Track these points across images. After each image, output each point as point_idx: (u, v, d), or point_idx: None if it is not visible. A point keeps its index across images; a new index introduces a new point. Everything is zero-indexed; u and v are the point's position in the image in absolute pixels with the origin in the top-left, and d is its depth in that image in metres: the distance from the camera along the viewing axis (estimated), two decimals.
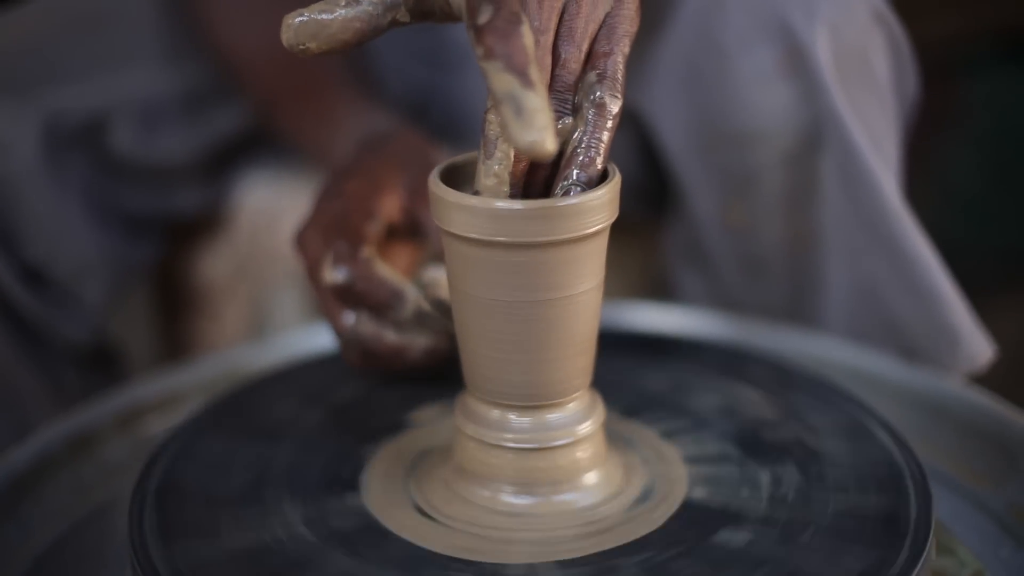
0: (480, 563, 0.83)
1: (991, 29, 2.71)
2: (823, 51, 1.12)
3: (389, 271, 0.99)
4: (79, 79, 1.37)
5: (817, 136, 1.15)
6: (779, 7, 1.14)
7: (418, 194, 1.04)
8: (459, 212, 0.81)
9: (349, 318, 1.00)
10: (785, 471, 0.92)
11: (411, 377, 1.03)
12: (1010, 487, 1.00)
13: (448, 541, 0.85)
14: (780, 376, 1.06)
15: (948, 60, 2.59)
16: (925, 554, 0.83)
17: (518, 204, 0.80)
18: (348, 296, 0.99)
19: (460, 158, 0.87)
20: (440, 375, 1.01)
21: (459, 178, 0.86)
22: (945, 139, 2.63)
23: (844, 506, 0.88)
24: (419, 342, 1.00)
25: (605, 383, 0.92)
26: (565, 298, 0.83)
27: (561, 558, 0.83)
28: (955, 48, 2.62)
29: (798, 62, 1.13)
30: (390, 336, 1.00)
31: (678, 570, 0.82)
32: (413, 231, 1.05)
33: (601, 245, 0.84)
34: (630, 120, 1.26)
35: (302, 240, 1.04)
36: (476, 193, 0.83)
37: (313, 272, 1.02)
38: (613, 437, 0.93)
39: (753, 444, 0.96)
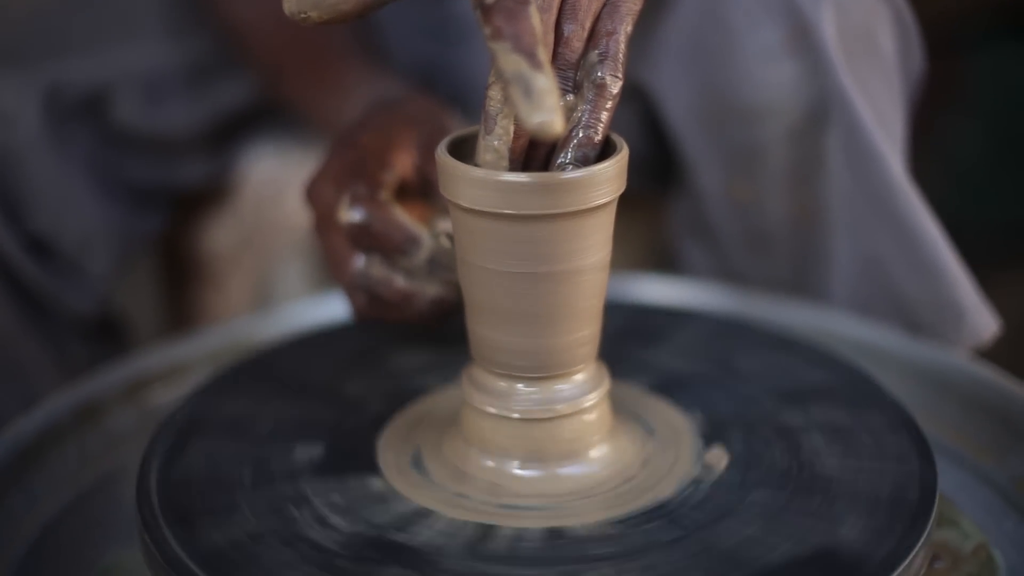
0: (490, 526, 0.84)
1: (995, 4, 2.70)
2: (829, 28, 1.12)
3: (406, 216, 0.99)
4: (83, 51, 1.37)
5: (822, 113, 1.15)
6: None
7: (431, 153, 1.02)
8: (467, 184, 0.82)
9: (359, 262, 0.99)
10: (790, 442, 0.93)
11: (414, 329, 1.03)
12: (1014, 460, 1.00)
13: (457, 511, 0.86)
14: (784, 347, 1.07)
15: (952, 35, 2.58)
16: (929, 526, 0.83)
17: (526, 177, 0.80)
18: (362, 238, 0.98)
19: (467, 131, 0.88)
20: (441, 331, 1.02)
21: (466, 151, 0.86)
22: (949, 115, 2.63)
23: (849, 477, 0.89)
24: (428, 290, 0.99)
25: (610, 355, 0.92)
26: (572, 270, 0.83)
27: (571, 523, 0.84)
28: (959, 23, 2.62)
29: (804, 39, 1.13)
30: (400, 282, 0.99)
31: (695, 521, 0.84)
32: (424, 191, 1.04)
33: (608, 217, 0.84)
34: (636, 95, 1.26)
35: (314, 189, 1.04)
36: (475, 167, 0.84)
37: (325, 219, 1.01)
38: (620, 407, 0.93)
39: (759, 416, 0.96)
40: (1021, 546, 0.93)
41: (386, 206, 0.98)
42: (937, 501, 0.86)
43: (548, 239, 0.82)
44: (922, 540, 0.82)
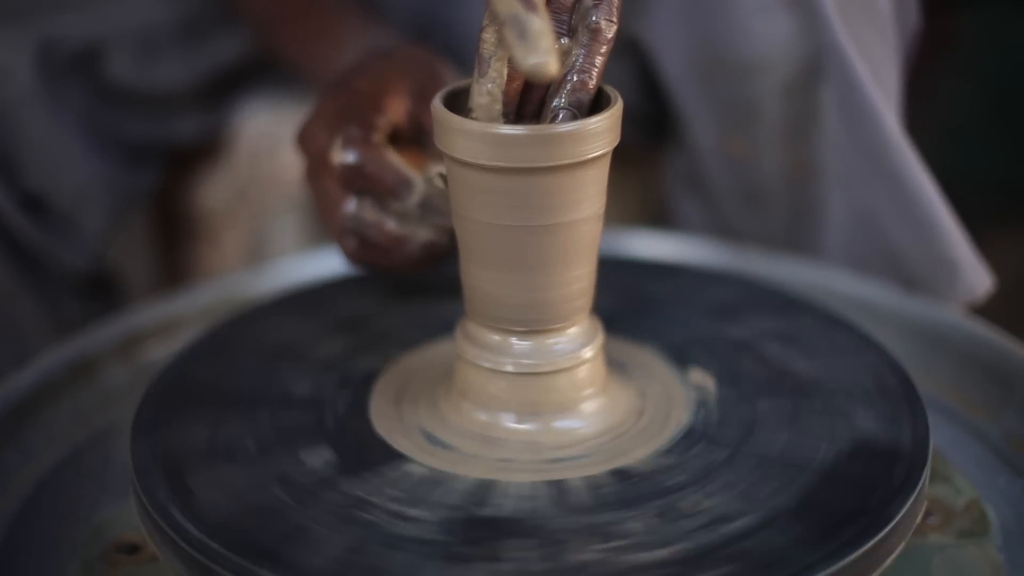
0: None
1: None
2: None
3: (399, 158, 0.98)
4: (76, 6, 1.36)
5: (818, 67, 1.15)
6: None
7: (424, 101, 1.01)
8: (462, 137, 0.82)
9: (351, 205, 0.99)
10: (783, 398, 0.93)
11: (404, 274, 1.03)
12: (1008, 417, 1.00)
13: (452, 464, 0.86)
14: (779, 302, 1.07)
15: None
16: (921, 481, 0.84)
17: (520, 129, 0.80)
18: (355, 179, 0.98)
19: (462, 83, 0.88)
20: (430, 278, 1.03)
21: (461, 104, 0.86)
22: (943, 72, 2.62)
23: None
24: (420, 234, 0.99)
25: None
26: (566, 223, 0.83)
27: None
28: None
29: None
30: (391, 225, 0.99)
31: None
32: (417, 138, 1.03)
33: (602, 171, 0.84)
34: (631, 49, 1.26)
35: (306, 133, 1.03)
36: (470, 110, 0.84)
37: (317, 163, 1.01)
38: (614, 360, 0.94)
39: (752, 369, 0.97)
40: (1013, 502, 0.93)
41: (379, 148, 0.98)
42: (930, 456, 0.86)
43: (542, 192, 0.82)
44: (914, 494, 0.82)
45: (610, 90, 0.85)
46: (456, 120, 0.82)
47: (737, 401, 0.92)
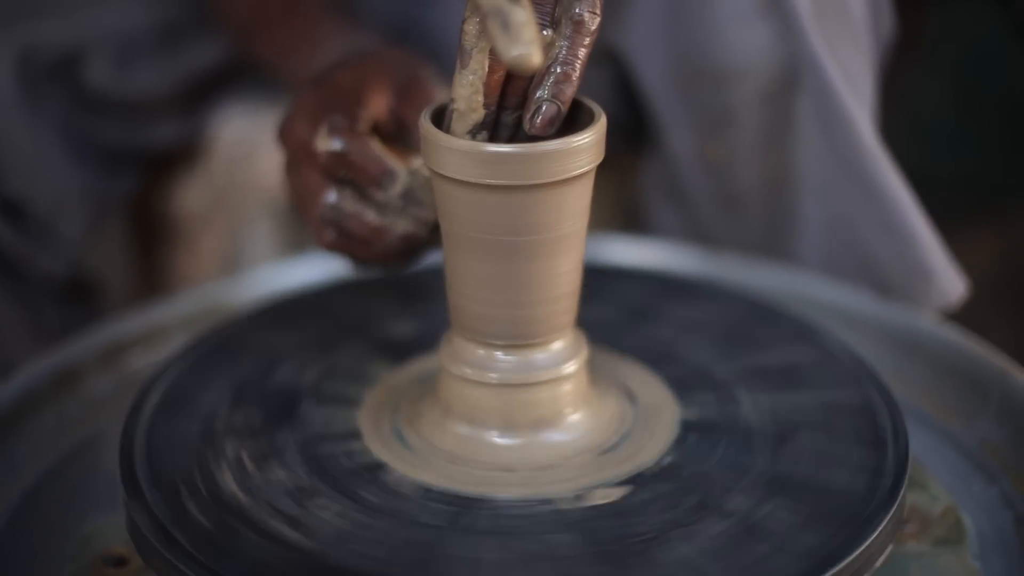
0: (472, 498, 0.85)
1: None
2: None
3: (383, 148, 0.98)
4: (55, 13, 1.36)
5: (794, 75, 1.16)
6: None
7: (405, 97, 1.02)
8: (448, 154, 0.82)
9: (331, 196, 0.99)
10: (760, 404, 0.95)
11: (380, 266, 1.03)
12: (982, 423, 1.02)
13: (436, 478, 0.87)
14: (755, 311, 1.08)
15: None
16: (903, 490, 0.85)
17: (505, 148, 0.81)
18: (339, 167, 0.97)
19: (447, 101, 0.88)
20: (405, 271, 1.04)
21: (448, 122, 0.87)
22: (915, 69, 2.63)
23: (820, 440, 0.91)
24: (398, 226, 0.99)
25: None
26: (550, 239, 0.84)
27: (552, 493, 0.85)
28: None
29: (776, 2, 1.14)
30: (371, 215, 0.99)
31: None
32: (399, 135, 1.03)
33: (586, 187, 0.85)
34: (609, 58, 1.26)
35: (287, 126, 1.03)
36: (452, 101, 0.85)
37: (299, 154, 1.01)
38: (597, 371, 0.94)
39: (731, 377, 0.98)
40: (989, 509, 0.94)
41: (364, 136, 0.98)
42: (910, 465, 0.87)
43: (527, 208, 0.83)
44: (895, 505, 0.84)
45: (593, 106, 0.86)
46: (443, 137, 0.83)
47: (717, 420, 0.93)
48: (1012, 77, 2.62)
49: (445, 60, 1.35)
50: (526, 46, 0.74)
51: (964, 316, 1.20)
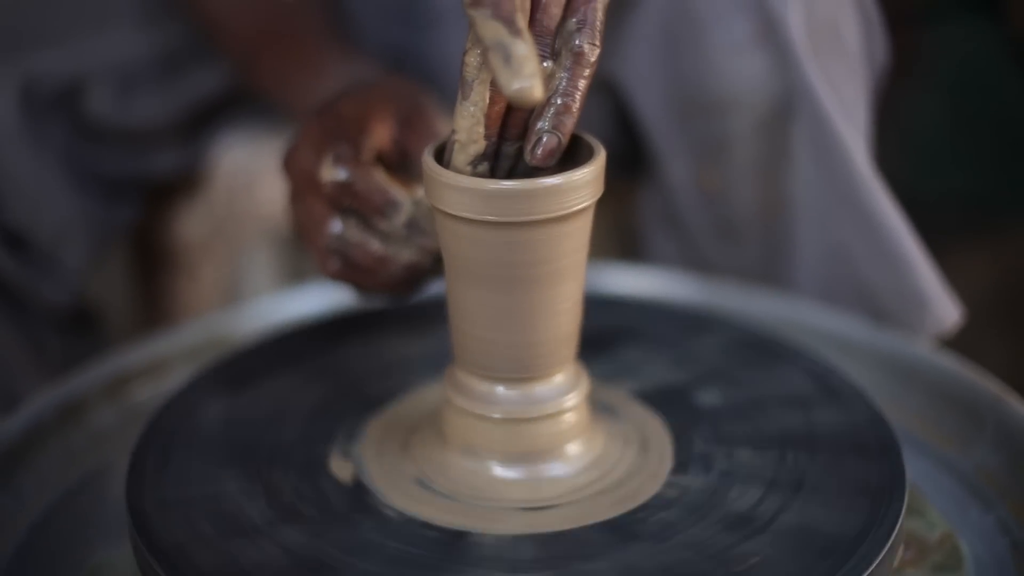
0: (473, 532, 0.85)
1: None
2: (796, 23, 1.14)
3: (387, 178, 0.99)
4: (56, 43, 1.37)
5: (789, 105, 1.18)
6: None
7: (408, 126, 1.03)
8: (449, 191, 0.84)
9: (336, 226, 1.00)
10: (761, 435, 0.95)
11: (384, 294, 1.04)
12: (978, 450, 1.02)
13: (440, 511, 0.88)
14: (752, 340, 1.09)
15: (910, 8, 2.60)
16: (900, 517, 0.86)
17: (506, 184, 0.82)
18: (344, 197, 0.98)
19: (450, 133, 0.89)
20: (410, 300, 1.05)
21: (449, 153, 0.87)
22: (907, 87, 2.64)
23: (818, 467, 0.92)
24: (402, 255, 1.00)
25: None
26: (550, 272, 0.85)
27: (554, 529, 0.86)
28: None
29: (771, 33, 1.15)
30: (375, 245, 1.00)
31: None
32: (402, 165, 1.04)
33: (586, 221, 0.86)
34: (606, 87, 1.28)
35: (292, 156, 1.03)
36: (453, 132, 0.85)
37: (303, 184, 1.01)
38: (596, 404, 0.95)
39: (729, 408, 0.99)
40: (985, 535, 0.95)
41: (368, 166, 0.99)
42: (908, 492, 0.88)
43: (528, 244, 0.84)
44: (895, 531, 0.85)
45: (592, 140, 0.87)
46: (444, 174, 0.84)
47: (714, 452, 0.94)
48: (1004, 95, 2.62)
49: (444, 86, 1.37)
50: (528, 79, 0.75)
51: (958, 334, 1.21)
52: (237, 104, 1.51)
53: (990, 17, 2.64)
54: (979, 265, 2.27)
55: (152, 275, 1.57)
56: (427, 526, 0.86)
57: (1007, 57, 2.60)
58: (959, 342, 1.21)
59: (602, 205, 0.88)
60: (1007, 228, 2.47)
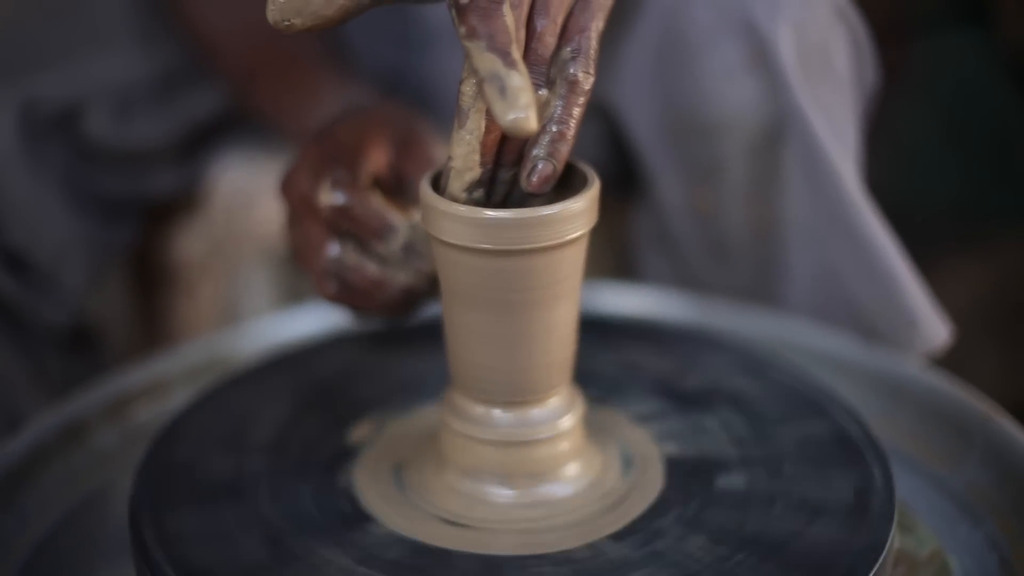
0: (469, 553, 0.87)
1: None
2: (786, 48, 1.15)
3: (384, 202, 1.01)
4: (55, 66, 1.38)
5: (780, 129, 1.19)
6: (743, 4, 1.17)
7: (404, 152, 1.05)
8: (445, 219, 0.85)
9: (334, 249, 1.01)
10: (752, 457, 0.96)
11: (381, 316, 1.06)
12: (967, 467, 1.03)
13: (436, 532, 0.89)
14: (742, 358, 1.10)
15: (901, 19, 2.61)
16: (891, 534, 0.87)
17: (502, 214, 0.84)
18: (342, 221, 1.00)
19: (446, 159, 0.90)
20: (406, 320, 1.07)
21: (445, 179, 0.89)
22: (899, 99, 2.64)
23: (809, 484, 0.93)
24: (399, 278, 1.02)
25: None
26: (546, 300, 0.87)
27: (556, 548, 0.87)
28: (907, 7, 2.64)
29: (762, 58, 1.17)
30: (372, 268, 1.01)
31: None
32: (398, 189, 1.06)
33: (581, 249, 0.87)
34: (599, 110, 1.29)
35: (290, 180, 1.05)
36: (449, 159, 0.87)
37: (301, 207, 1.03)
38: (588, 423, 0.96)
39: (725, 427, 1.00)
40: (975, 552, 0.96)
41: (366, 191, 1.01)
42: (897, 509, 0.90)
43: (523, 272, 0.85)
44: (886, 549, 0.86)
45: (586, 169, 0.88)
46: (441, 202, 0.85)
47: (703, 473, 0.95)
48: (996, 106, 2.63)
49: (438, 107, 1.39)
50: (523, 111, 0.77)
51: (951, 343, 1.23)
52: (235, 125, 1.52)
53: (982, 28, 2.65)
54: (971, 275, 2.27)
55: (151, 294, 1.58)
56: (423, 548, 0.87)
57: (999, 68, 2.60)
58: (951, 352, 1.22)
59: (596, 223, 0.89)
60: (1000, 238, 2.48)
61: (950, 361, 1.24)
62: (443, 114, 1.36)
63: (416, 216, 1.00)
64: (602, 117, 1.30)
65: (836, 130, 1.18)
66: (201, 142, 1.51)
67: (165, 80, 1.45)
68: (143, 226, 1.51)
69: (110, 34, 1.43)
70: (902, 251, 1.20)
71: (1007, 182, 2.59)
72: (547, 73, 0.86)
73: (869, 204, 1.18)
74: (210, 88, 1.48)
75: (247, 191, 1.49)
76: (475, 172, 0.87)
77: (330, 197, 1.00)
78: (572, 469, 0.92)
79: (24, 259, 1.36)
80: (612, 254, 1.47)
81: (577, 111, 0.85)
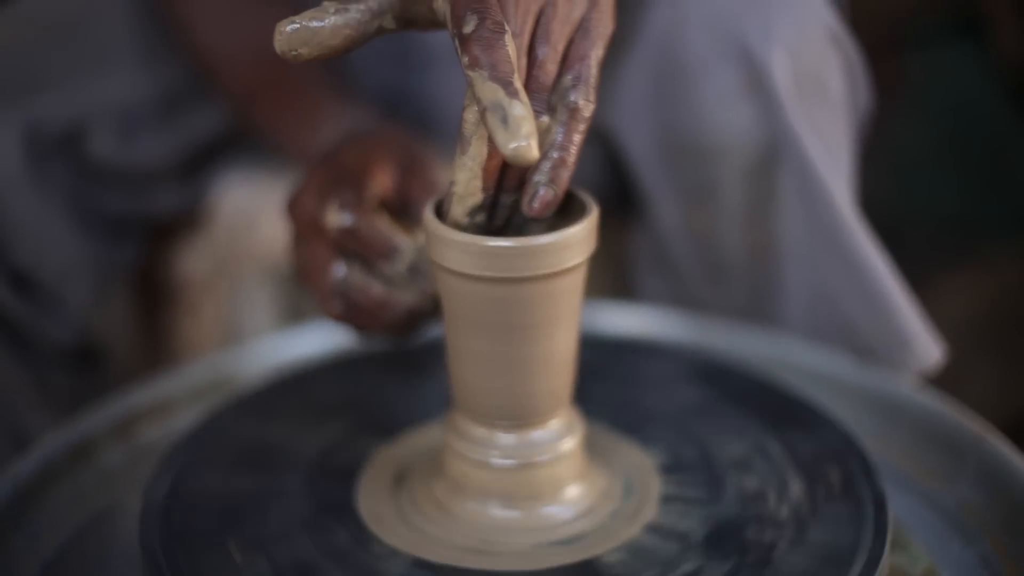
0: (471, 570, 0.88)
1: (939, 2, 2.74)
2: (781, 73, 1.17)
3: (390, 223, 1.03)
4: (59, 87, 1.39)
5: (775, 152, 1.21)
6: (738, 30, 1.19)
7: (409, 174, 1.06)
8: (448, 247, 0.87)
9: (340, 270, 1.03)
10: (744, 473, 0.98)
11: (386, 336, 1.07)
12: (961, 485, 1.05)
13: (438, 552, 0.90)
14: (736, 378, 1.11)
15: (896, 33, 2.62)
16: (885, 551, 0.89)
17: (503, 242, 0.85)
18: (349, 242, 1.02)
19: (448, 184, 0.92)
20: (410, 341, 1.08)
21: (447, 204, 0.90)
22: (895, 112, 2.65)
23: (803, 503, 0.94)
24: (404, 299, 1.04)
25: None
26: (546, 325, 0.89)
27: (548, 565, 0.89)
28: (903, 21, 2.66)
29: (757, 83, 1.18)
30: (377, 288, 1.03)
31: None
32: (402, 211, 1.07)
33: (580, 276, 0.89)
34: (598, 135, 1.31)
35: (296, 201, 1.06)
36: (452, 184, 0.88)
37: (307, 228, 1.04)
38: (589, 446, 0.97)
39: (713, 447, 1.02)
40: (967, 570, 0.98)
41: (372, 212, 1.02)
42: (891, 526, 0.91)
43: (524, 298, 0.87)
44: (880, 567, 0.87)
45: (585, 197, 0.90)
46: (443, 230, 0.87)
47: (703, 485, 0.97)
48: (991, 119, 2.63)
49: (438, 128, 1.40)
50: (524, 139, 0.78)
51: (945, 360, 1.24)
52: (238, 144, 1.53)
53: (977, 42, 2.66)
54: (968, 288, 2.28)
55: (155, 312, 1.59)
56: (425, 567, 0.89)
57: (994, 81, 2.61)
58: (948, 365, 1.24)
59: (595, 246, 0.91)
60: (996, 252, 2.48)
61: (947, 374, 1.26)
62: (443, 134, 1.38)
63: (421, 238, 1.01)
64: (600, 140, 1.32)
65: (830, 153, 1.20)
66: (204, 161, 1.53)
67: (168, 100, 1.46)
68: (146, 245, 1.52)
69: (113, 55, 1.44)
70: (896, 270, 1.21)
71: (1003, 196, 2.60)
72: (548, 100, 0.87)
73: (863, 226, 1.20)
74: (213, 108, 1.49)
75: (250, 210, 1.50)
76: (477, 197, 0.88)
77: (337, 218, 1.02)
78: (573, 491, 0.94)
79: (29, 278, 1.37)
80: (610, 274, 1.48)
81: (578, 138, 0.87)
